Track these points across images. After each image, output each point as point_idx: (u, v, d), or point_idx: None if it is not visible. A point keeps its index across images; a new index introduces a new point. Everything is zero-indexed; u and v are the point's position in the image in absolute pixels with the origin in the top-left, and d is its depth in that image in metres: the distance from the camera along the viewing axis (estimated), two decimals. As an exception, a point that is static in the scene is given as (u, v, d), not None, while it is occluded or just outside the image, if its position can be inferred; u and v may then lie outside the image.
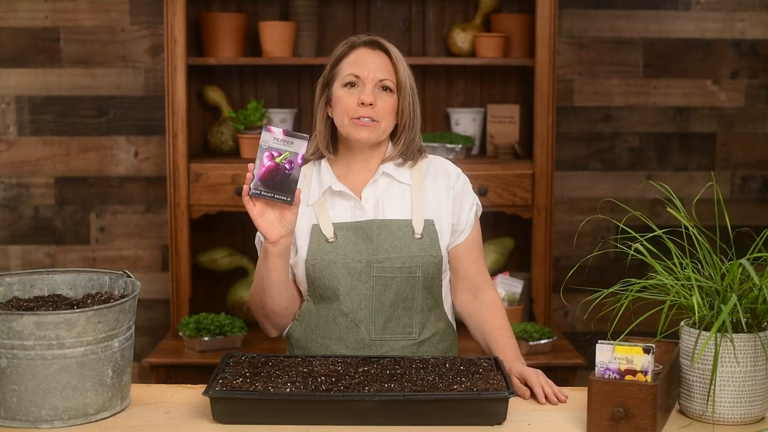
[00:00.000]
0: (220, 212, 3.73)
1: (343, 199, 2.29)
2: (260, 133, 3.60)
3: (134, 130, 3.93)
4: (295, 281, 2.33)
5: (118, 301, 1.92)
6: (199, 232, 3.85)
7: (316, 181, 2.32)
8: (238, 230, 3.95)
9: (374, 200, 2.29)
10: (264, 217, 2.10)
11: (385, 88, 2.27)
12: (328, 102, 2.33)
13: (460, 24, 3.80)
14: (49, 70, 3.89)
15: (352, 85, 2.27)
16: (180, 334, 3.57)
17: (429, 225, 2.28)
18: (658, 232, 1.94)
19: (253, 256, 3.89)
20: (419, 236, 2.26)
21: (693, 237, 1.94)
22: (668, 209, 2.01)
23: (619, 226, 2.03)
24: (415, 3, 3.88)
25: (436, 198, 2.31)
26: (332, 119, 2.32)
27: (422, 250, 2.25)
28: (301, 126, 3.88)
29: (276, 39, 3.65)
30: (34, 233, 3.96)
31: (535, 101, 3.58)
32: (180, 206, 3.58)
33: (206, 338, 3.50)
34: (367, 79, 2.25)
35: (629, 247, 1.94)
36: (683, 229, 1.96)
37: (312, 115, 2.40)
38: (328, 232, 2.26)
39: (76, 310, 1.85)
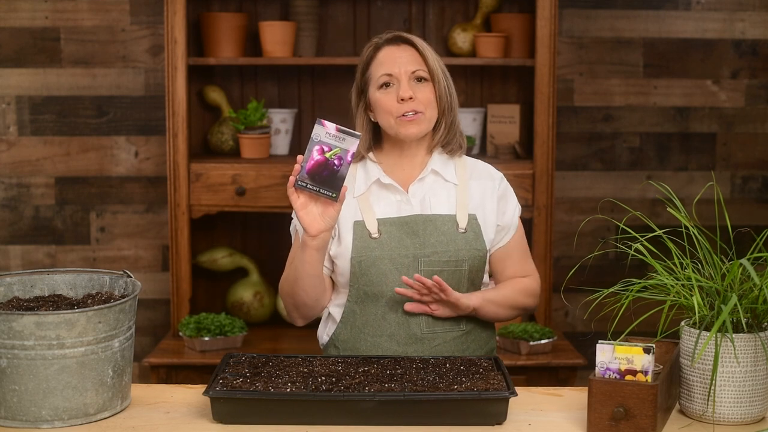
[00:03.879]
0: (221, 212, 3.73)
1: (390, 192, 2.32)
2: (260, 133, 3.64)
3: (134, 130, 3.93)
4: (332, 275, 2.34)
5: (119, 301, 1.92)
6: (199, 232, 3.85)
7: (362, 173, 2.34)
8: (238, 230, 3.95)
9: (421, 196, 2.32)
10: (306, 209, 2.11)
11: (420, 79, 2.30)
12: (367, 107, 2.35)
13: (460, 24, 3.80)
14: (49, 70, 3.89)
15: (387, 85, 2.29)
16: (180, 334, 3.57)
17: (472, 219, 2.31)
18: (659, 232, 1.95)
19: (254, 257, 3.89)
20: (463, 230, 2.29)
21: (693, 237, 1.94)
22: (668, 209, 2.01)
23: (619, 226, 2.03)
24: (415, 3, 3.88)
25: (481, 197, 2.34)
26: (374, 123, 2.35)
27: (467, 243, 2.28)
28: (301, 126, 3.88)
29: (276, 39, 3.65)
30: (35, 233, 3.96)
31: (535, 101, 3.58)
32: (180, 206, 3.58)
33: (206, 338, 3.50)
34: (401, 75, 2.28)
35: (629, 247, 1.94)
36: (683, 229, 1.96)
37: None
38: (372, 228, 2.27)
39: (77, 310, 1.85)
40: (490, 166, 2.43)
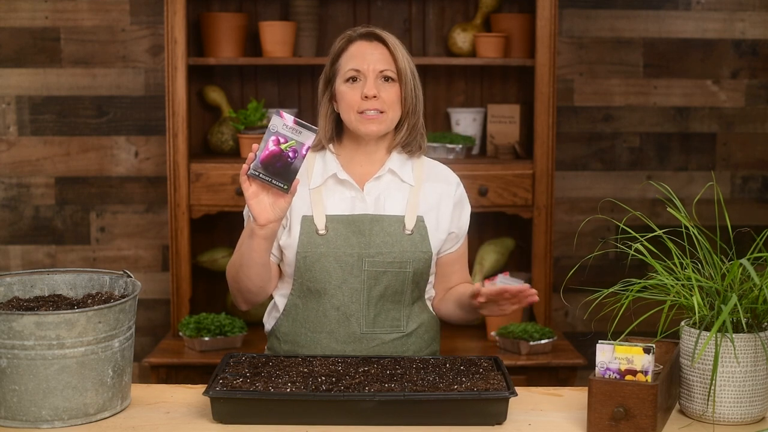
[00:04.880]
0: (221, 212, 3.73)
1: (345, 188, 2.31)
2: (260, 133, 3.64)
3: (134, 130, 3.93)
4: (279, 263, 2.34)
5: (119, 301, 1.92)
6: (199, 232, 3.85)
7: (320, 166, 2.33)
8: (238, 230, 3.90)
9: (376, 195, 2.31)
10: (257, 198, 2.10)
11: (387, 78, 2.29)
12: (332, 98, 2.34)
13: (460, 24, 3.80)
14: (49, 70, 3.89)
15: (354, 80, 2.29)
16: (180, 334, 3.57)
17: (419, 221, 2.30)
18: (659, 232, 1.95)
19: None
20: (409, 232, 2.28)
21: (693, 237, 1.94)
22: (668, 209, 2.01)
23: (619, 226, 2.03)
24: (415, 3, 3.88)
25: (436, 200, 2.34)
26: (337, 114, 2.35)
27: (413, 245, 2.28)
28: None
29: (276, 39, 3.65)
30: (35, 233, 3.96)
31: (535, 101, 3.58)
32: (180, 206, 3.58)
33: (206, 338, 3.50)
34: (368, 72, 2.27)
35: (629, 247, 1.94)
36: (683, 229, 1.96)
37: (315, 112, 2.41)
38: (320, 224, 2.27)
39: (77, 310, 1.85)
40: (448, 169, 2.42)
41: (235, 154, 3.77)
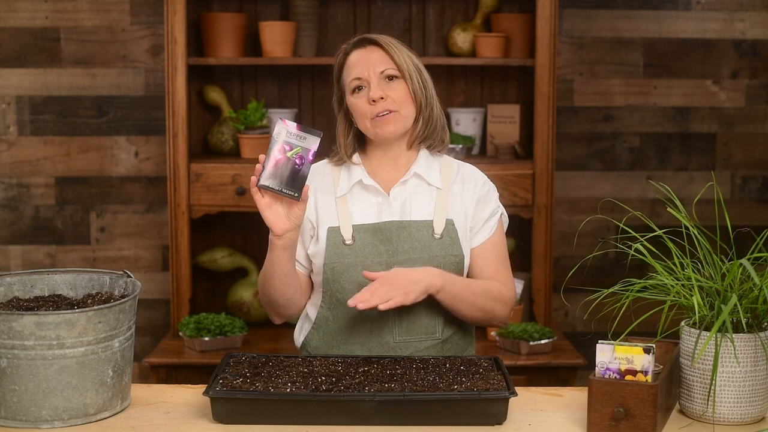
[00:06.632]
0: (221, 212, 3.73)
1: (371, 195, 2.30)
2: (260, 133, 3.64)
3: (134, 130, 3.93)
4: (311, 274, 2.33)
5: (119, 301, 1.92)
6: (199, 232, 3.85)
7: (345, 174, 2.32)
8: (238, 230, 3.95)
9: (402, 200, 2.29)
10: (271, 209, 2.10)
11: (390, 78, 2.27)
12: (347, 114, 2.34)
13: (460, 24, 3.80)
14: (49, 70, 3.89)
15: (359, 89, 2.28)
16: (180, 334, 3.57)
17: (449, 225, 2.27)
18: (659, 232, 1.95)
19: (253, 257, 3.89)
20: (439, 236, 2.25)
21: (693, 237, 1.94)
22: (668, 209, 2.01)
23: (619, 226, 2.03)
24: (415, 3, 3.88)
25: (462, 202, 2.31)
26: (356, 128, 2.33)
27: (443, 250, 2.25)
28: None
29: (276, 39, 3.65)
30: (35, 233, 3.96)
31: (535, 101, 3.58)
32: (180, 206, 3.58)
33: (206, 338, 3.50)
34: (370, 77, 2.27)
35: (629, 247, 1.94)
36: (683, 229, 1.96)
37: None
38: (347, 234, 2.25)
39: (77, 310, 1.85)
40: (476, 169, 2.38)
41: (235, 154, 3.77)
